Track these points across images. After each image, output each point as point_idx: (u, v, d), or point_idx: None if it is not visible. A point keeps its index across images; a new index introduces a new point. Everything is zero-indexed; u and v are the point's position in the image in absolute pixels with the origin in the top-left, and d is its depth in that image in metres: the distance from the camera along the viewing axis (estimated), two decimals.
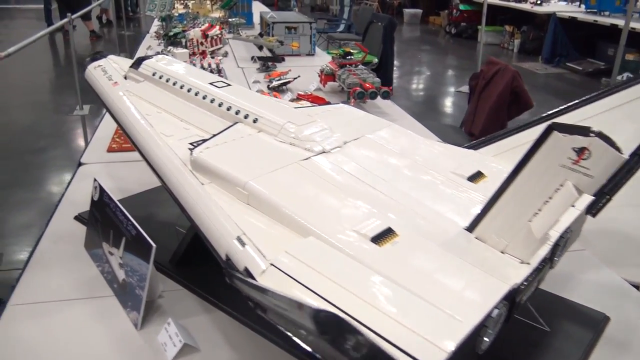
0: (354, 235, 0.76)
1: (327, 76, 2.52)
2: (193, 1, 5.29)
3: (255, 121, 1.04)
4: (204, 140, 0.98)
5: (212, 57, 3.21)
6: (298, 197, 0.83)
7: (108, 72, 1.31)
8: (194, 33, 3.38)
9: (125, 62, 1.37)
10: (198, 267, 1.09)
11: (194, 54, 3.19)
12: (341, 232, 0.77)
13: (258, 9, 5.30)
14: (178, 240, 1.16)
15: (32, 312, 0.99)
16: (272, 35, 3.41)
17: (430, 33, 10.84)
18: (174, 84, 1.18)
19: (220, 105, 1.09)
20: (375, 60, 2.43)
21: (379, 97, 2.22)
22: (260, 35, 3.40)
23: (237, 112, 1.07)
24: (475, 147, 1.16)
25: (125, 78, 1.29)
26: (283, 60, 3.26)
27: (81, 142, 4.55)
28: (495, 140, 1.15)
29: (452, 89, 6.33)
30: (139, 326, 0.93)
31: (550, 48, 7.20)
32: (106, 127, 1.96)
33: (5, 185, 3.69)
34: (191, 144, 1.01)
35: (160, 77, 1.21)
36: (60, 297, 1.03)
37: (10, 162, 4.09)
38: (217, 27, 3.51)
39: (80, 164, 1.66)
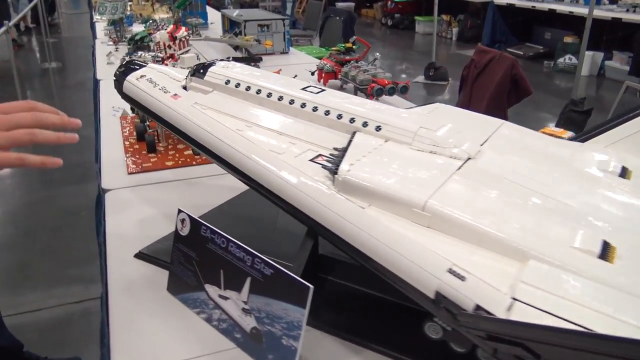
0: (578, 254, 0.66)
1: (327, 74, 2.40)
2: (130, 2, 4.98)
3: (378, 129, 0.91)
4: (336, 158, 0.84)
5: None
6: (491, 214, 0.72)
7: (158, 83, 1.13)
8: (161, 36, 3.13)
9: (174, 71, 1.19)
10: (320, 300, 0.95)
11: (163, 59, 2.94)
12: (562, 252, 0.67)
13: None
14: None
15: None
16: (245, 34, 3.23)
17: (366, 26, 10.90)
18: (258, 92, 1.02)
19: (327, 113, 0.95)
20: (378, 54, 2.33)
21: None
22: (235, 34, 3.21)
23: (351, 120, 0.93)
24: (576, 140, 1.10)
25: (185, 89, 1.12)
26: (261, 59, 3.10)
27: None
28: (598, 132, 1.09)
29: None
30: None
31: (490, 35, 7.43)
32: (109, 147, 1.74)
33: None
34: (313, 161, 0.87)
35: (237, 85, 1.05)
36: (170, 357, 0.85)
37: None
38: (184, 28, 3.28)
39: (104, 191, 1.44)
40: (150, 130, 1.70)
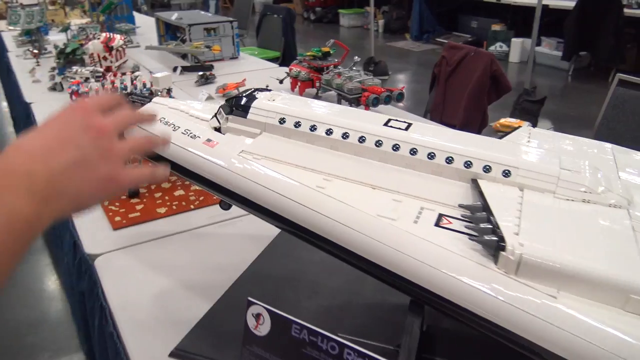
0: None
1: (304, 83, 2.16)
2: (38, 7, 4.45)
3: (506, 174, 0.71)
4: (478, 221, 0.64)
5: (124, 74, 2.63)
6: None
7: (178, 125, 0.86)
8: (94, 46, 2.75)
9: (191, 106, 0.93)
10: None
11: (104, 74, 2.57)
12: None
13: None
14: None
15: None
16: (190, 40, 2.91)
17: None
18: (329, 132, 0.79)
19: (431, 156, 0.74)
20: (357, 58, 2.11)
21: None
22: (183, 41, 2.88)
23: (467, 165, 0.73)
24: None
25: (219, 130, 0.86)
26: (212, 67, 2.80)
27: None
28: None
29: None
30: None
31: (418, 25, 7.46)
32: None
33: None
34: (441, 227, 0.66)
35: (298, 125, 0.81)
36: None
37: None
38: (119, 36, 2.90)
39: (91, 257, 1.14)
40: None
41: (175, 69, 2.77)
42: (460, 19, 7.35)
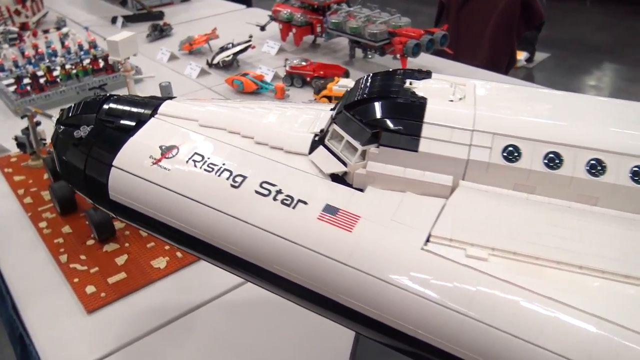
0: None
1: (300, 28, 1.63)
2: None
3: None
4: None
5: (46, 32, 1.99)
6: None
7: (245, 174, 0.37)
8: None
9: (251, 111, 0.43)
10: None
11: (20, 35, 1.93)
12: None
13: None
14: None
15: None
16: None
17: None
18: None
19: None
20: None
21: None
22: None
23: None
24: None
25: (342, 180, 0.37)
26: (163, 14, 2.19)
27: None
28: None
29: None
30: None
31: None
32: (10, 243, 0.90)
33: None
34: None
35: (556, 163, 0.33)
36: None
37: None
38: None
39: None
40: None
41: (114, 21, 2.14)
42: None
